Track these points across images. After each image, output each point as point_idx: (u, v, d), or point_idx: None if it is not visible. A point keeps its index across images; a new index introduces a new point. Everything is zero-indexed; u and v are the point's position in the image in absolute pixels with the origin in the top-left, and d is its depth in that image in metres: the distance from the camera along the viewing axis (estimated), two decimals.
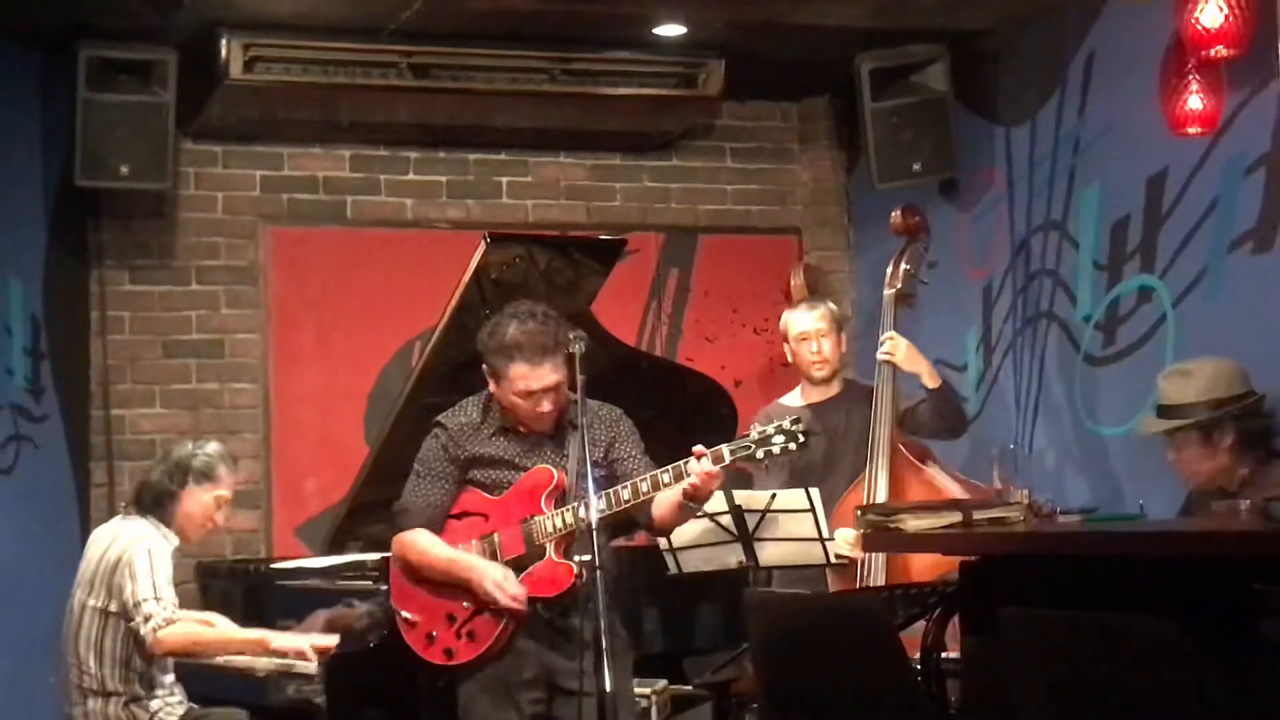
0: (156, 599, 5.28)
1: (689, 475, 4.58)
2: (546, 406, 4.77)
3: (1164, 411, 4.97)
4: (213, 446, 5.64)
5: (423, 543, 4.84)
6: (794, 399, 6.22)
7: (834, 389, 6.15)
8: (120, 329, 7.09)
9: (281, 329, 7.31)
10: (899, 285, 6.07)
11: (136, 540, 5.38)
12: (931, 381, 5.97)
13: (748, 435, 4.67)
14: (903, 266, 6.09)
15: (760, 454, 4.61)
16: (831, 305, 6.29)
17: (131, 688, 5.33)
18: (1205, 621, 3.03)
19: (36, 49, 6.72)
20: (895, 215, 6.21)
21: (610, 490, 4.67)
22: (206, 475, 5.53)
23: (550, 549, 4.71)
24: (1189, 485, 5.03)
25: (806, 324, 6.16)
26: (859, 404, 6.05)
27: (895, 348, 5.93)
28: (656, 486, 4.65)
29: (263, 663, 5.43)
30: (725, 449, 4.60)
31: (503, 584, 4.70)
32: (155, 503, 5.49)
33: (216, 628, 5.56)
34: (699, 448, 4.60)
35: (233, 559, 6.96)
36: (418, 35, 6.73)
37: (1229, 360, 4.98)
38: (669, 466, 4.65)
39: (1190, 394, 4.89)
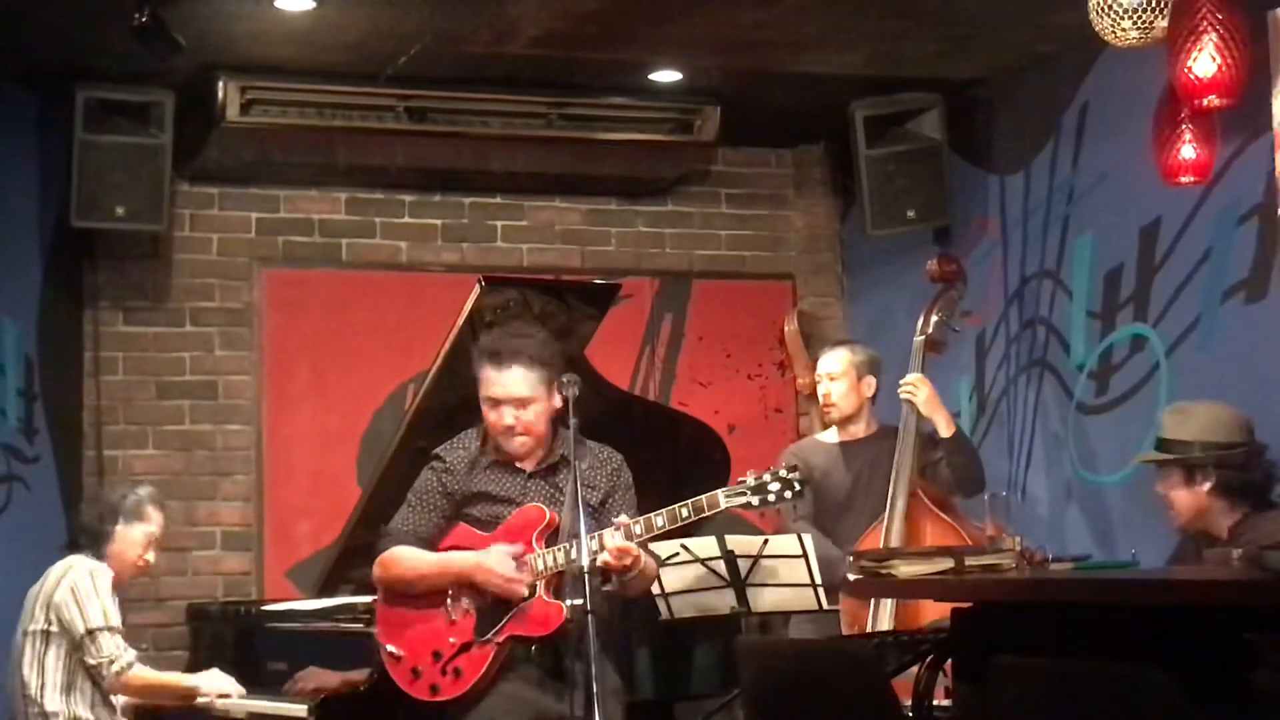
0: (109, 629, 5.35)
1: (604, 549, 4.55)
2: (508, 420, 4.74)
3: (1160, 445, 5.03)
4: (142, 489, 5.77)
5: (407, 556, 4.80)
6: (830, 435, 6.24)
7: (865, 430, 6.14)
8: (114, 370, 7.09)
9: (275, 371, 7.31)
10: (929, 332, 6.05)
11: (74, 565, 5.48)
12: (946, 430, 5.94)
13: (744, 480, 4.65)
14: (934, 316, 6.07)
15: (756, 500, 4.59)
16: (858, 350, 6.21)
17: (73, 708, 5.36)
18: (1197, 671, 3.02)
19: (34, 90, 6.74)
20: (931, 263, 6.21)
21: (549, 550, 4.66)
22: (135, 515, 5.65)
23: (541, 588, 4.69)
24: (1173, 523, 5.07)
25: (821, 367, 6.20)
26: (886, 449, 6.02)
27: (916, 389, 5.92)
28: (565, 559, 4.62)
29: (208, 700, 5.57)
30: (721, 495, 4.58)
31: (501, 562, 4.67)
32: (91, 541, 5.59)
33: (164, 673, 5.72)
34: (623, 517, 4.58)
35: (223, 601, 6.94)
36: (415, 79, 6.75)
37: (1232, 408, 5.02)
38: (597, 532, 4.58)
39: (1183, 432, 4.95)
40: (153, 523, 5.69)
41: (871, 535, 5.81)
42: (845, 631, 5.69)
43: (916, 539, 5.71)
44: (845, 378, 6.13)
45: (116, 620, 5.39)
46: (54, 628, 5.35)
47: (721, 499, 4.57)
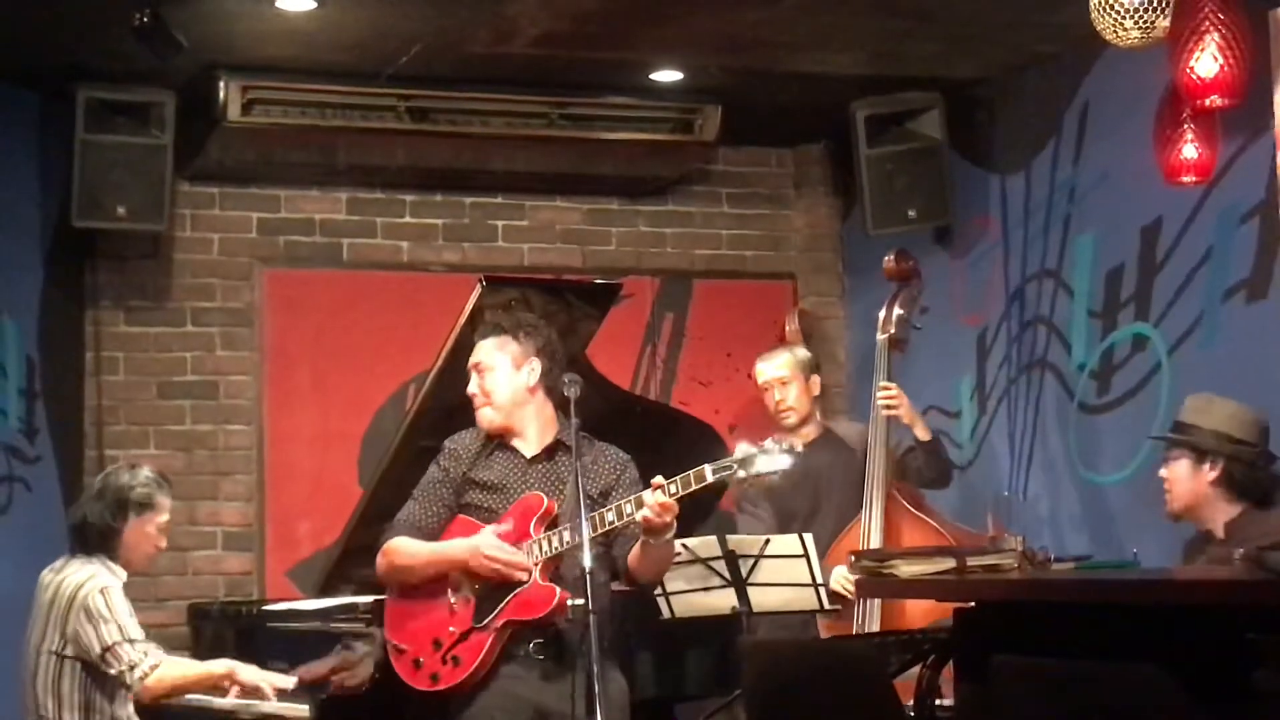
0: (129, 641, 5.25)
1: (644, 506, 4.58)
2: (472, 388, 4.90)
3: (1175, 428, 5.12)
4: (145, 473, 5.53)
5: (405, 546, 4.87)
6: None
7: (816, 432, 6.16)
8: (115, 370, 7.09)
9: (276, 371, 7.31)
10: (892, 330, 6.08)
11: (86, 580, 5.32)
12: (923, 434, 6.02)
13: (733, 455, 4.64)
14: (895, 311, 6.10)
15: (742, 473, 4.57)
16: (799, 351, 6.32)
17: None
18: (1198, 671, 3.02)
19: (35, 90, 6.74)
20: (888, 260, 6.23)
21: (571, 524, 4.65)
22: (147, 505, 5.45)
23: (536, 573, 4.72)
24: (1167, 506, 5.11)
25: (768, 373, 6.23)
26: (839, 449, 6.09)
27: (899, 402, 5.94)
28: (620, 516, 4.65)
29: (230, 703, 5.46)
30: (708, 468, 4.58)
31: (499, 547, 4.71)
32: (101, 541, 5.41)
33: (189, 664, 5.56)
34: (658, 478, 4.59)
35: (224, 600, 6.95)
36: (416, 79, 6.75)
37: (1256, 409, 5.08)
38: (630, 497, 4.66)
39: (1202, 419, 5.04)
40: (165, 510, 5.51)
41: (848, 538, 5.83)
42: (823, 634, 5.72)
43: (895, 539, 5.73)
44: (795, 381, 6.18)
45: (134, 632, 5.28)
46: (69, 651, 5.27)
47: (708, 472, 4.56)
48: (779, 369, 6.19)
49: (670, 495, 4.57)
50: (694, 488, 4.58)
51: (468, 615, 4.78)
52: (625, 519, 4.63)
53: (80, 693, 5.29)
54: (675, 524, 4.66)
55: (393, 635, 4.91)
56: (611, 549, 4.81)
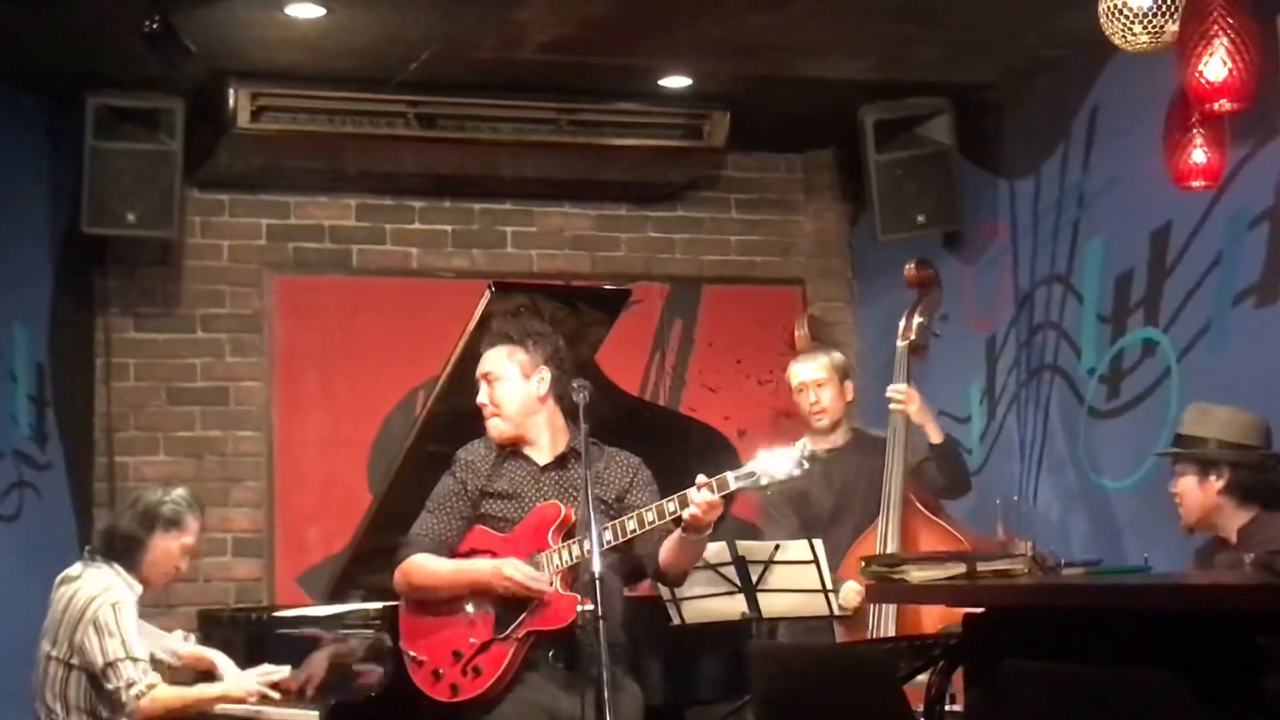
0: (131, 659, 5.26)
1: (691, 504, 4.56)
2: (482, 398, 4.88)
3: (1178, 441, 5.12)
4: (180, 493, 5.58)
5: (425, 564, 4.84)
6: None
7: (841, 439, 6.14)
8: (125, 376, 7.10)
9: (286, 377, 7.32)
10: (912, 337, 6.06)
11: (101, 593, 5.33)
12: (935, 437, 5.98)
13: (752, 461, 4.64)
14: (916, 319, 6.08)
15: (765, 480, 4.59)
16: (835, 355, 6.28)
17: None
18: (1208, 675, 3.02)
19: (44, 97, 6.76)
20: (909, 268, 6.21)
21: (615, 522, 4.66)
22: (175, 523, 5.49)
23: (557, 582, 4.71)
24: (1181, 520, 5.12)
25: (804, 374, 6.18)
26: (867, 454, 6.04)
27: (909, 399, 5.93)
28: (661, 515, 4.63)
29: (237, 709, 5.48)
30: (730, 476, 4.58)
31: (520, 568, 4.69)
32: (124, 550, 5.44)
33: (184, 689, 5.58)
34: (701, 477, 4.59)
35: (234, 607, 6.95)
36: (424, 85, 6.76)
37: (1253, 414, 5.08)
38: (673, 496, 4.64)
39: (1202, 430, 5.04)
40: (190, 533, 5.54)
41: (864, 543, 5.82)
42: (840, 639, 5.71)
43: (912, 544, 5.72)
44: (831, 383, 6.13)
45: (137, 651, 5.29)
46: (75, 660, 5.29)
47: (731, 480, 4.56)
48: (816, 371, 6.15)
49: (721, 492, 4.56)
50: (718, 495, 4.58)
51: (488, 626, 4.76)
52: (669, 517, 4.61)
53: (85, 701, 5.31)
54: (714, 523, 4.65)
55: (410, 646, 4.88)
56: (634, 547, 4.79)
